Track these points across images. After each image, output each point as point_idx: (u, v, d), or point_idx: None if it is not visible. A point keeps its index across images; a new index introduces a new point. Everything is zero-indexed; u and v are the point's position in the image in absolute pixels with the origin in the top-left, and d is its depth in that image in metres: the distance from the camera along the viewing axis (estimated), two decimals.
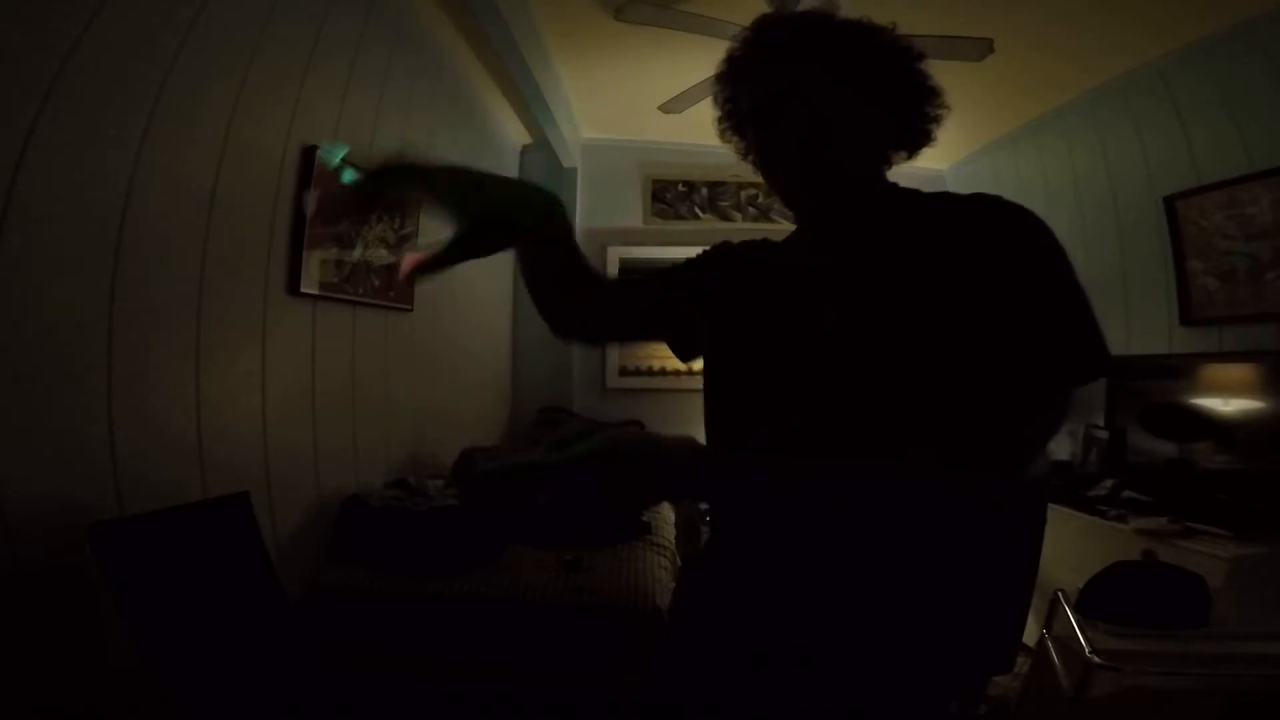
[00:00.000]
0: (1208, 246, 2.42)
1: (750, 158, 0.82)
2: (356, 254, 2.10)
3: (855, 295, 0.72)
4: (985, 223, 0.68)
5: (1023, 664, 1.99)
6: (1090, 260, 2.96)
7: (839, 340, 0.71)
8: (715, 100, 0.82)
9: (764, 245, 0.91)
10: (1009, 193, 0.70)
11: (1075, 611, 1.52)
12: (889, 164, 0.79)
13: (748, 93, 0.76)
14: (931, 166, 4.09)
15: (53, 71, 1.12)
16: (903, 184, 0.79)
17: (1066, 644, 1.53)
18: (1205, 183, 2.42)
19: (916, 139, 0.78)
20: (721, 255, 0.92)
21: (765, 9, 2.29)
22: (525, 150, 3.96)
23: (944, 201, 0.74)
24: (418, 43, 2.53)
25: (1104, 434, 2.69)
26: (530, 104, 3.04)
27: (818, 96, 0.71)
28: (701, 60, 2.21)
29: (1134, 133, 2.77)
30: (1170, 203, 2.55)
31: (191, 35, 1.41)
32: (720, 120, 0.83)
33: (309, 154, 1.83)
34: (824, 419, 0.70)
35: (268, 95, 1.68)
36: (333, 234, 1.97)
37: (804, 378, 0.74)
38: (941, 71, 0.79)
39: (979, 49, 2.25)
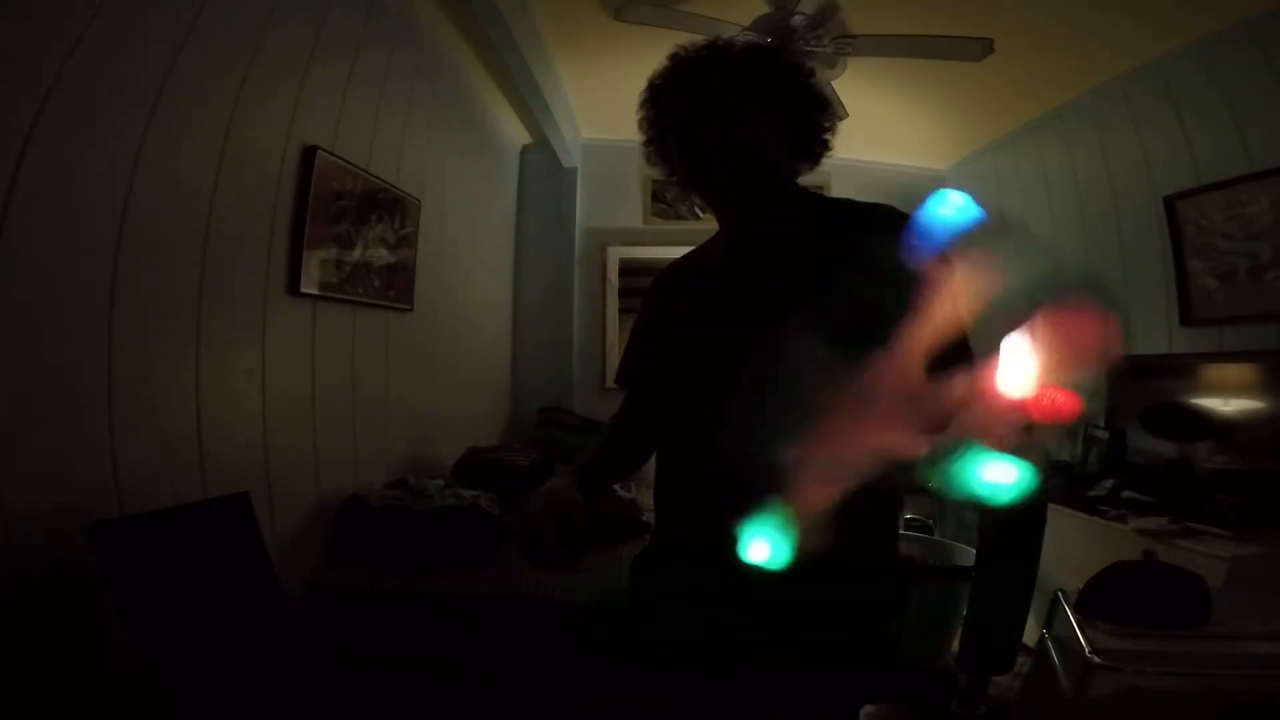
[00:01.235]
0: (1208, 246, 2.42)
1: (674, 178, 0.91)
2: (356, 254, 2.10)
3: (752, 303, 0.82)
4: (874, 232, 0.76)
5: (1023, 664, 1.99)
6: (1090, 260, 2.96)
7: (740, 347, 0.78)
8: (640, 126, 0.90)
9: (685, 260, 1.02)
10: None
11: (1075, 611, 1.52)
12: (795, 172, 0.88)
13: (667, 114, 0.86)
14: (931, 166, 4.09)
15: (53, 71, 1.13)
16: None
17: (1066, 644, 1.53)
18: (1205, 183, 2.42)
19: (814, 147, 0.87)
20: (648, 297, 1.04)
21: (765, 9, 2.29)
22: (525, 150, 3.96)
23: (843, 208, 0.85)
24: (418, 43, 2.53)
25: (1104, 434, 2.69)
26: (530, 104, 3.04)
27: (720, 113, 0.80)
28: None
29: (1134, 133, 2.77)
30: (1170, 203, 2.55)
31: (191, 35, 1.41)
32: (646, 144, 0.91)
33: (309, 154, 1.83)
34: (729, 422, 0.77)
35: (268, 95, 1.68)
36: (333, 234, 1.97)
37: (714, 385, 0.80)
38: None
39: (979, 49, 2.25)
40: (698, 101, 0.81)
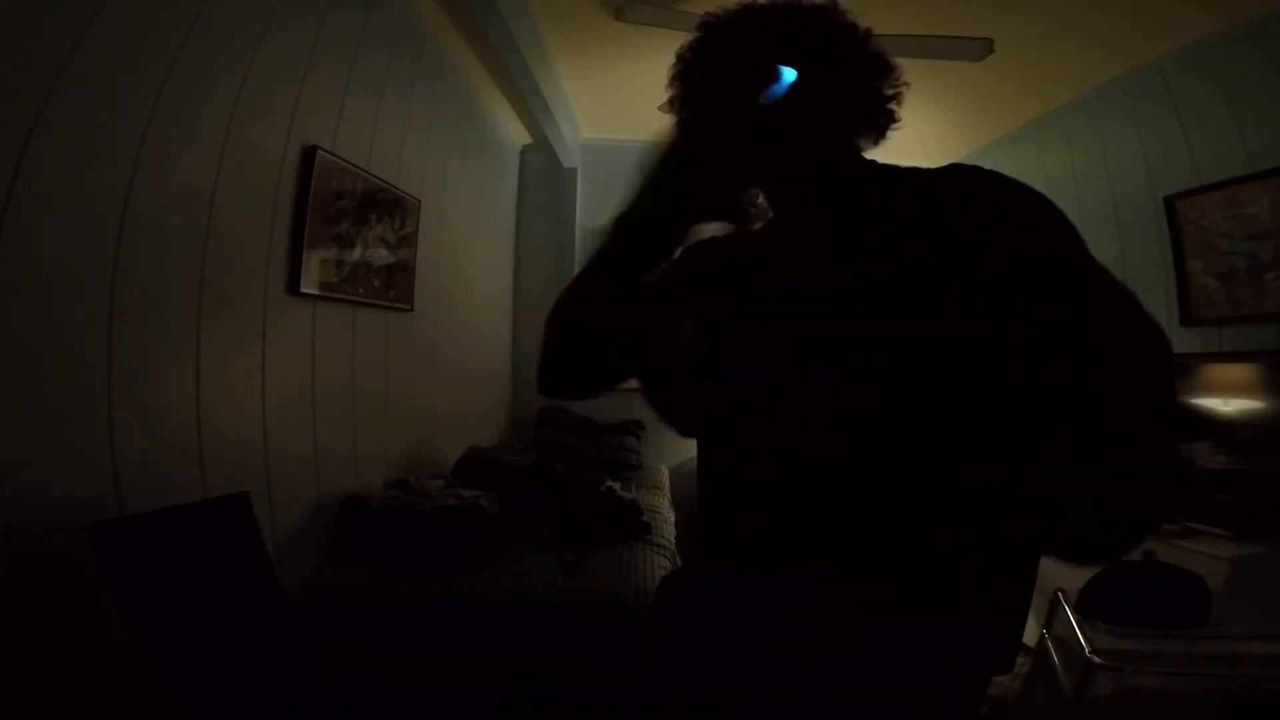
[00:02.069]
0: (1208, 246, 2.42)
1: None
2: (356, 254, 2.10)
3: (838, 299, 0.68)
4: (983, 206, 0.64)
5: (1023, 664, 1.99)
6: None
7: (825, 356, 0.67)
8: (670, 106, 0.80)
9: (710, 246, 0.87)
10: None
11: (1075, 611, 1.52)
12: (852, 144, 0.76)
13: (696, 86, 0.76)
14: (931, 167, 4.09)
15: (54, 71, 1.13)
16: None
17: (1066, 644, 1.53)
18: (1205, 183, 2.42)
19: (879, 118, 0.75)
20: (690, 268, 0.88)
21: None
22: (525, 150, 3.96)
23: (914, 178, 0.71)
24: (418, 43, 2.53)
25: None
26: (530, 104, 3.04)
27: (747, 76, 0.69)
28: None
29: (1134, 133, 2.77)
30: (1170, 203, 2.55)
31: (191, 35, 1.41)
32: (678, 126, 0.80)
33: (309, 154, 1.83)
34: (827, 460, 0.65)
35: (268, 95, 1.68)
36: (333, 234, 1.97)
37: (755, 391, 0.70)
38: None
39: (979, 49, 2.25)
40: (725, 66, 0.72)
